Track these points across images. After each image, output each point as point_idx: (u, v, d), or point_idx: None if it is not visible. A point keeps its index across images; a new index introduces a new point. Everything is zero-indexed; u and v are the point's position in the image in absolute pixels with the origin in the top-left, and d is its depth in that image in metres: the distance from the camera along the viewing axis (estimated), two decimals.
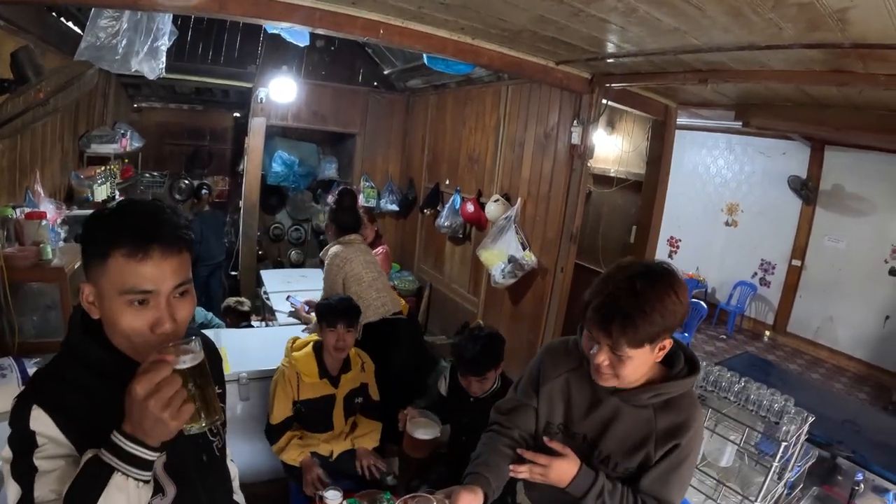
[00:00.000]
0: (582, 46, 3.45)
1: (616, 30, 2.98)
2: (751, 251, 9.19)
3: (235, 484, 1.92)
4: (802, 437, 3.05)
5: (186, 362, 1.21)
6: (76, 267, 3.48)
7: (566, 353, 1.98)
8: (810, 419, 3.02)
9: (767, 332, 8.97)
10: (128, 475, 1.14)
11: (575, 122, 4.54)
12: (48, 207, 3.85)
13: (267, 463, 3.62)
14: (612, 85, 4.24)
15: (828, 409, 3.87)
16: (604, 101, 4.39)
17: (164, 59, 3.98)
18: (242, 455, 3.63)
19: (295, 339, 3.50)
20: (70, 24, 4.59)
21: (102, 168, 5.70)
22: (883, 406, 6.71)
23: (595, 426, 1.87)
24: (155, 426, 1.13)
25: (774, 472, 3.02)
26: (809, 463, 3.45)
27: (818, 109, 4.13)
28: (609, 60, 3.68)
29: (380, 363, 3.67)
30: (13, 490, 1.21)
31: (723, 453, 3.28)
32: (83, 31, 3.92)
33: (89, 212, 4.80)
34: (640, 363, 1.67)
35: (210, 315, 5.51)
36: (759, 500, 3.00)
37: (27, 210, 3.60)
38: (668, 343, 1.69)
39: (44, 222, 3.49)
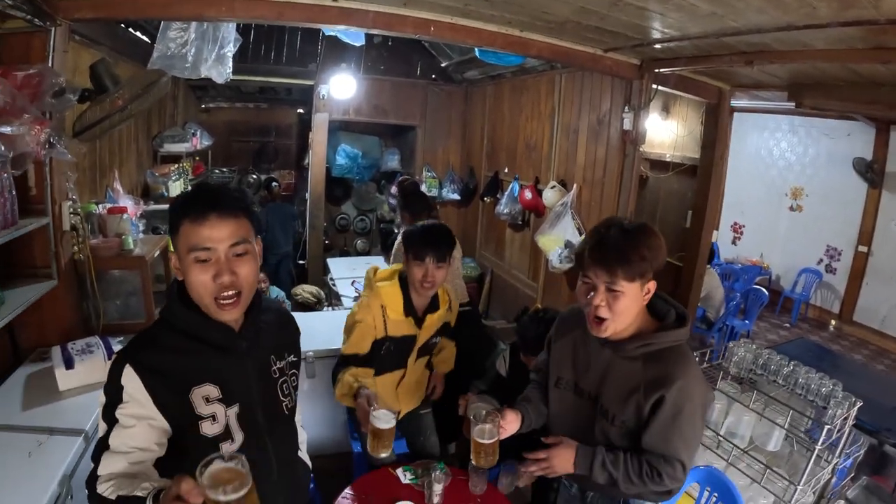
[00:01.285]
0: (626, 34, 3.52)
1: (656, 17, 3.04)
2: (816, 237, 8.84)
3: (303, 446, 2.16)
4: (850, 423, 3.06)
5: (225, 494, 1.20)
6: (155, 256, 3.75)
7: (573, 318, 2.20)
8: (858, 404, 3.02)
9: (833, 322, 8.62)
10: None
11: (626, 107, 4.58)
12: (127, 203, 4.13)
13: (331, 437, 3.82)
14: (661, 70, 4.26)
15: (879, 395, 3.81)
16: (654, 87, 4.42)
17: (230, 64, 4.19)
18: (308, 429, 3.84)
19: (376, 269, 3.05)
20: (138, 33, 4.88)
21: (175, 166, 6.03)
22: None
23: (595, 381, 2.05)
24: None
25: (819, 456, 3.04)
26: (861, 451, 3.45)
27: (870, 88, 4.05)
28: (656, 46, 3.71)
29: None
30: (101, 425, 1.51)
31: (770, 437, 3.29)
32: (151, 40, 4.18)
33: (165, 207, 5.15)
34: (631, 301, 1.87)
35: (283, 293, 5.78)
36: (802, 483, 3.03)
37: (109, 205, 3.88)
38: (652, 286, 1.89)
39: (125, 216, 3.76)
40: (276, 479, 1.77)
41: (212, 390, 1.60)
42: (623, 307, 1.86)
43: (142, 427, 1.49)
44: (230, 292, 1.56)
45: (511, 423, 2.15)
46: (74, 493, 2.16)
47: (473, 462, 2.17)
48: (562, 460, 2.00)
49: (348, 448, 3.46)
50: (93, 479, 1.45)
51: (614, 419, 1.97)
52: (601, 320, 1.91)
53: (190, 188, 1.68)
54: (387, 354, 2.91)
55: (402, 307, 2.88)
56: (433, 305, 2.99)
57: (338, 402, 2.92)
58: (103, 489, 1.42)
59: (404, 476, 2.72)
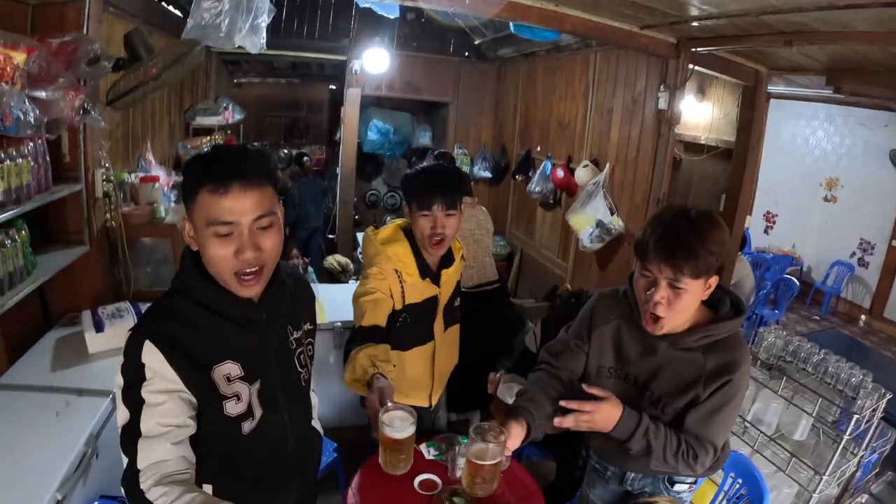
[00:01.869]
0: (663, 10, 3.44)
1: None
2: (850, 229, 8.63)
3: (315, 412, 2.08)
4: (878, 415, 3.02)
5: None
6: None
7: (618, 300, 2.05)
8: (888, 396, 3.00)
9: (863, 316, 8.46)
10: None
11: (662, 87, 4.51)
12: (159, 173, 4.17)
13: (356, 408, 3.83)
14: (698, 49, 4.17)
15: None
16: (690, 66, 4.34)
17: (264, 34, 4.20)
18: (333, 401, 3.87)
19: (374, 229, 2.60)
20: (171, 7, 4.91)
21: (207, 138, 6.09)
22: None
23: (647, 371, 1.95)
24: None
25: (846, 448, 3.02)
26: (887, 447, 3.40)
27: None
28: (693, 24, 3.63)
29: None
30: (122, 413, 1.39)
31: (797, 426, 3.27)
32: (183, 13, 4.22)
33: None
34: (692, 298, 1.76)
35: (310, 268, 5.83)
36: (827, 474, 3.01)
37: (141, 174, 3.93)
38: (714, 281, 1.78)
39: (156, 185, 3.81)
40: (293, 452, 1.74)
41: (233, 368, 1.51)
42: (683, 305, 1.77)
43: (173, 401, 1.39)
44: (253, 269, 1.45)
45: (515, 439, 1.85)
46: (100, 453, 2.21)
47: (467, 489, 1.80)
48: (604, 417, 1.83)
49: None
50: (132, 474, 1.32)
51: (666, 407, 1.90)
52: (658, 318, 1.81)
53: (206, 150, 1.51)
54: (404, 327, 2.52)
55: (416, 269, 2.48)
56: (447, 259, 2.61)
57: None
58: (154, 495, 1.29)
59: (428, 452, 2.69)
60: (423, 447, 2.71)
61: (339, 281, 5.71)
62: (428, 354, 2.70)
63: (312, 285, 4.41)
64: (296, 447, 1.75)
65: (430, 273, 2.52)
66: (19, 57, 2.25)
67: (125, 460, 1.35)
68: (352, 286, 5.12)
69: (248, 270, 1.45)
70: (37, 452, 2.02)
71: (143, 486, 1.29)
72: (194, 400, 1.45)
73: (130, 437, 1.35)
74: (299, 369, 1.75)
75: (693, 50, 4.21)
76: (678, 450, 1.83)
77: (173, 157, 5.75)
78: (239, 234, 1.41)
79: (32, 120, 2.29)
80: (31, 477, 1.91)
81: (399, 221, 2.62)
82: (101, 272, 3.30)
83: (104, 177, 3.24)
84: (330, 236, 8.23)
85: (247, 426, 1.57)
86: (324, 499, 3.09)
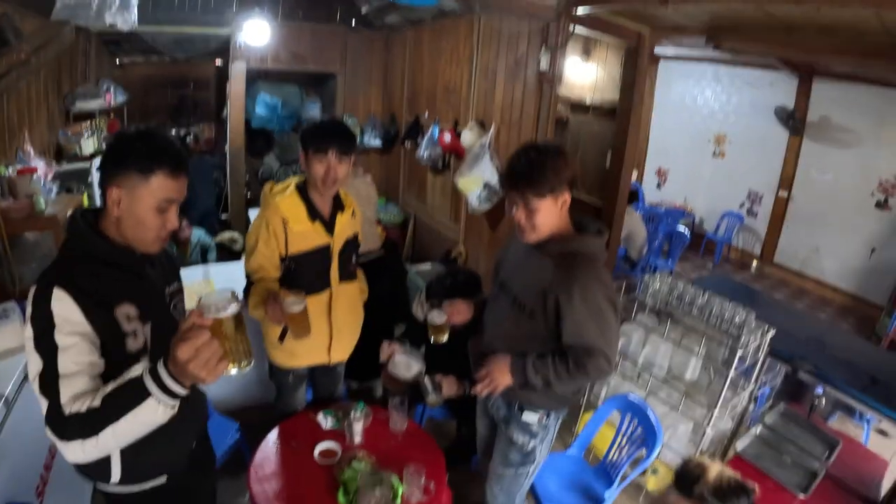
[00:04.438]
0: None
1: None
2: (738, 182, 9.12)
3: None
4: (763, 350, 3.23)
5: (224, 312, 1.40)
6: (68, 216, 3.62)
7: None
8: (771, 332, 3.19)
9: (754, 263, 8.96)
10: (159, 401, 1.41)
11: (543, 48, 4.56)
12: (39, 164, 3.98)
13: (257, 389, 3.79)
14: (578, 11, 4.25)
15: (794, 327, 3.98)
16: (571, 27, 4.41)
17: (135, 10, 4.11)
18: (233, 382, 3.79)
19: (272, 185, 2.83)
20: None
21: (88, 123, 5.79)
22: (866, 337, 6.66)
23: (514, 276, 2.37)
24: (193, 379, 1.39)
25: (735, 383, 3.27)
26: (778, 380, 3.61)
27: (785, 32, 4.13)
28: None
29: None
30: (35, 361, 1.49)
31: (687, 366, 3.45)
32: None
33: (79, 165, 4.96)
34: (547, 213, 2.15)
35: (206, 237, 5.73)
36: (717, 409, 3.22)
37: (19, 167, 3.74)
38: (566, 197, 2.16)
39: (35, 176, 3.65)
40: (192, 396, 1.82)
41: (130, 309, 1.68)
42: (541, 220, 2.15)
43: (84, 342, 1.53)
44: (168, 233, 1.77)
45: (460, 313, 2.60)
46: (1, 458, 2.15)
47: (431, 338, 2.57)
48: (500, 372, 2.27)
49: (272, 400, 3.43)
50: (56, 410, 1.44)
51: (525, 307, 2.25)
52: (523, 230, 2.20)
53: (140, 132, 1.75)
54: (295, 275, 2.74)
55: (305, 214, 2.70)
56: (338, 206, 2.84)
57: (264, 353, 2.87)
58: (75, 408, 1.43)
59: (326, 421, 2.76)
60: (320, 416, 2.77)
61: (233, 252, 5.65)
62: (323, 304, 2.83)
63: (204, 267, 4.36)
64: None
65: (320, 217, 2.75)
66: None
67: (45, 403, 1.46)
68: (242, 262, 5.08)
69: (165, 235, 1.76)
70: None
71: (66, 414, 1.43)
72: (98, 341, 1.58)
73: (50, 379, 1.46)
74: (177, 318, 1.95)
75: (574, 12, 4.25)
76: (568, 367, 2.18)
77: (54, 146, 5.46)
78: (172, 209, 1.74)
79: None
80: None
81: (297, 179, 2.82)
82: None
83: None
84: (223, 216, 8.01)
85: (145, 363, 1.64)
86: (232, 479, 3.09)
